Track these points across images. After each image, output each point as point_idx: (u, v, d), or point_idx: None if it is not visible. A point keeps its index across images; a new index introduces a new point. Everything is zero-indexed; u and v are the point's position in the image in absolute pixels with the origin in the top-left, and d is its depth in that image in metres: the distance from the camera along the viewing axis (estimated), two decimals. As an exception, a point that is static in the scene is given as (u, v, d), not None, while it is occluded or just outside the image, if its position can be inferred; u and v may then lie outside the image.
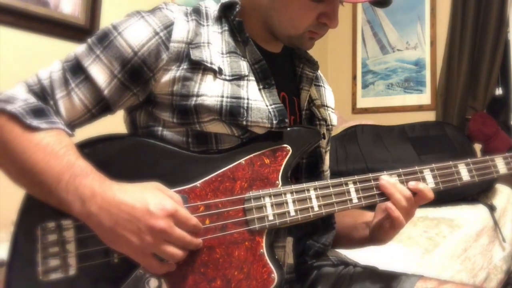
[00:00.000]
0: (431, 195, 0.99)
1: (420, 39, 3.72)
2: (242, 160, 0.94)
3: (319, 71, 1.22)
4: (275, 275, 0.88)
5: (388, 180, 0.98)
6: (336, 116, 1.26)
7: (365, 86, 3.96)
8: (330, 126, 1.20)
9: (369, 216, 1.13)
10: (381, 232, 1.08)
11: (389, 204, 0.98)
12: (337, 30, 4.19)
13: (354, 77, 4.01)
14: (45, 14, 2.10)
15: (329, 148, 1.22)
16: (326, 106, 1.22)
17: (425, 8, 3.71)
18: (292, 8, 0.97)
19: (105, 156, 0.92)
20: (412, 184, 0.99)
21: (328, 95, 1.25)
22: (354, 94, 4.00)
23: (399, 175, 1.00)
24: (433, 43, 3.67)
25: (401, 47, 3.81)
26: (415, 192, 0.99)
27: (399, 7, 3.79)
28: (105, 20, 2.26)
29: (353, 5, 3.99)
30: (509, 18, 3.39)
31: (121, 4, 2.33)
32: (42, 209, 0.86)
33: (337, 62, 4.07)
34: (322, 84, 1.25)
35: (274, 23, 1.01)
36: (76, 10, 2.23)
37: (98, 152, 0.92)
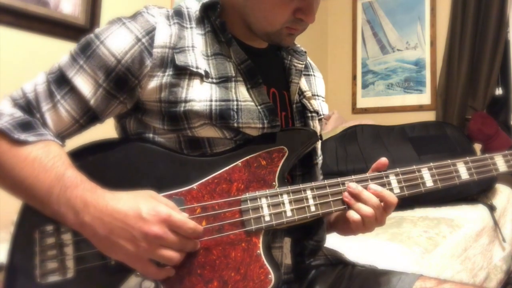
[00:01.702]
0: (393, 199, 0.95)
1: (420, 39, 3.72)
2: (238, 162, 0.93)
3: (309, 59, 1.21)
4: (272, 276, 0.88)
5: (353, 189, 0.95)
6: (327, 105, 1.24)
7: (365, 86, 3.95)
8: (322, 116, 1.19)
9: None
10: (344, 227, 1.08)
11: (349, 213, 0.95)
12: (337, 30, 4.22)
13: (354, 77, 4.01)
14: (45, 14, 2.10)
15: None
16: (317, 95, 1.21)
17: (425, 8, 3.70)
18: (266, 5, 0.96)
19: (100, 161, 0.92)
20: (372, 187, 0.95)
21: (319, 83, 1.24)
22: (354, 94, 4.00)
23: (396, 174, 0.99)
24: (433, 43, 3.67)
25: (401, 47, 3.81)
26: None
27: (399, 7, 3.79)
28: (105, 20, 2.25)
29: (353, 5, 3.99)
30: (509, 18, 3.38)
31: (121, 4, 2.33)
32: (40, 212, 0.86)
33: (337, 62, 4.06)
34: (312, 73, 1.23)
35: (251, 20, 1.00)
36: (76, 10, 2.23)
37: (92, 158, 0.92)
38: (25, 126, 0.88)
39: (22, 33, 2.03)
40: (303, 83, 1.15)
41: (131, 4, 1.00)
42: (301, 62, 1.13)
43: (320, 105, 1.18)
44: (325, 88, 1.28)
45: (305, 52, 1.16)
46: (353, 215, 0.94)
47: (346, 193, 0.95)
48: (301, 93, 1.12)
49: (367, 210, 0.93)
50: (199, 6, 1.03)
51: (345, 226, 1.08)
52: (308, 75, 1.22)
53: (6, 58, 1.94)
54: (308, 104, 1.12)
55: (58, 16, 2.16)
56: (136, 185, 0.86)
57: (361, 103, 3.96)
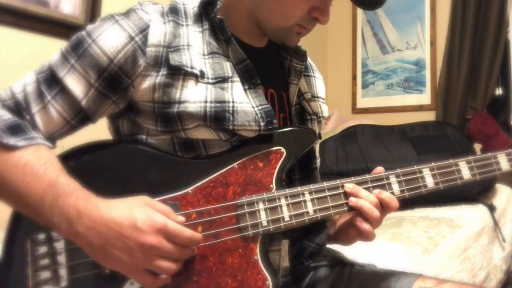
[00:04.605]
0: (394, 203, 0.95)
1: (420, 39, 3.71)
2: (234, 164, 0.91)
3: (309, 59, 1.19)
4: (269, 282, 0.87)
5: (354, 188, 0.95)
6: (327, 107, 1.23)
7: (365, 86, 3.95)
8: (321, 119, 1.17)
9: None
10: (344, 235, 1.07)
11: (357, 218, 0.94)
12: (337, 30, 4.21)
13: (354, 77, 4.00)
14: (45, 14, 2.09)
15: (319, 140, 1.20)
16: (317, 97, 1.19)
17: (425, 8, 3.69)
18: None
19: (93, 164, 0.90)
20: (375, 192, 0.95)
21: (319, 85, 1.22)
22: (354, 94, 3.99)
23: (397, 176, 0.98)
24: (433, 43, 3.66)
25: (401, 47, 3.80)
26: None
27: (399, 7, 3.78)
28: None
29: (353, 5, 3.97)
30: (509, 18, 3.37)
31: (120, 4, 2.33)
32: (31, 221, 0.83)
33: (337, 62, 4.05)
34: (312, 74, 1.21)
35: (263, 13, 0.97)
36: (76, 10, 2.22)
37: (84, 161, 0.89)
38: (14, 130, 0.85)
39: (22, 33, 2.02)
40: (303, 84, 1.13)
41: (131, 4, 0.98)
42: (301, 63, 1.11)
43: (320, 107, 1.17)
44: (325, 88, 1.26)
45: (305, 52, 1.13)
46: (362, 223, 0.94)
47: (351, 198, 0.94)
48: (300, 94, 1.10)
49: (371, 207, 0.93)
50: (198, 2, 0.99)
51: (345, 235, 1.07)
52: (308, 76, 1.20)
53: (6, 58, 1.93)
54: (308, 106, 1.10)
55: (58, 16, 2.15)
56: (129, 190, 0.84)
57: (361, 103, 3.96)
